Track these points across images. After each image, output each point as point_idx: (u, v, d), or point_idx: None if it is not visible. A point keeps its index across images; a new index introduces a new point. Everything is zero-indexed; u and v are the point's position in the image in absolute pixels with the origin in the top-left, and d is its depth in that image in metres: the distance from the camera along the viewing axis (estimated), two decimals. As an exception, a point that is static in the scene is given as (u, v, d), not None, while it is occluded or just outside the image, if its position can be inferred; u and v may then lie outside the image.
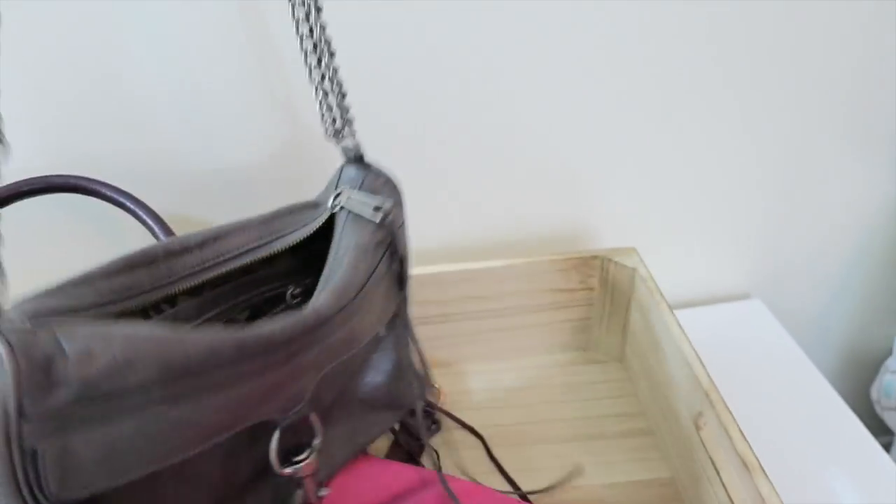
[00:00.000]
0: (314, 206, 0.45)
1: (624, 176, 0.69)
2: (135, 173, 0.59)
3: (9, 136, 0.56)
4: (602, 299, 0.65)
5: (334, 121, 0.44)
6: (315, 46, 0.42)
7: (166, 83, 0.56)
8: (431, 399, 0.62)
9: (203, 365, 0.30)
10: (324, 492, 0.43)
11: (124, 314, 0.37)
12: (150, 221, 0.54)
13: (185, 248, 0.39)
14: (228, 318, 0.43)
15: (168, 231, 0.54)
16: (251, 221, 0.43)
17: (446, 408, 0.63)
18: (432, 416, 0.61)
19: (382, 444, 0.58)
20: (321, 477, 0.45)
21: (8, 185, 0.54)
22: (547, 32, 0.59)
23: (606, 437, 0.59)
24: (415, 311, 0.63)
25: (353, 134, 0.44)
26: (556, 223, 0.72)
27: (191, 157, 0.60)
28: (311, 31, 0.41)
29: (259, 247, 0.41)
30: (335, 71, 0.43)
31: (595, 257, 0.63)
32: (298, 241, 0.42)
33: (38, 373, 0.26)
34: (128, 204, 0.55)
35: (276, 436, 0.38)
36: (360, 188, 0.44)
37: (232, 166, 0.61)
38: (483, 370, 0.67)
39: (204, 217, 0.63)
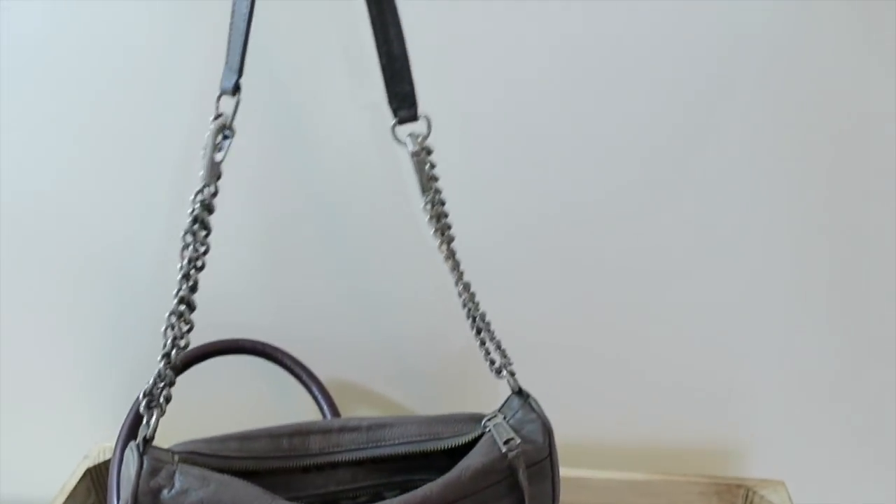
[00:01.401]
0: (478, 420, 0.49)
1: (779, 395, 0.67)
2: (315, 343, 0.65)
3: (210, 293, 0.64)
4: (742, 529, 0.63)
5: (493, 362, 0.50)
6: (467, 308, 0.49)
7: (351, 278, 0.63)
8: None
9: None
10: None
11: (281, 470, 0.45)
12: (319, 397, 0.59)
13: (357, 428, 0.47)
14: (378, 493, 0.48)
15: (333, 408, 0.59)
16: (417, 419, 0.49)
17: None
18: None
19: None
20: None
21: (203, 345, 0.61)
22: (690, 248, 0.61)
23: None
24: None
25: (512, 373, 0.50)
26: (697, 436, 0.70)
27: (368, 342, 0.66)
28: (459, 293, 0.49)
29: (417, 442, 0.47)
30: (486, 322, 0.50)
31: (740, 486, 0.62)
32: (449, 447, 0.47)
33: (149, 495, 0.39)
34: (303, 377, 0.60)
35: None
36: (513, 418, 0.49)
37: (402, 355, 0.66)
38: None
39: (368, 389, 0.68)
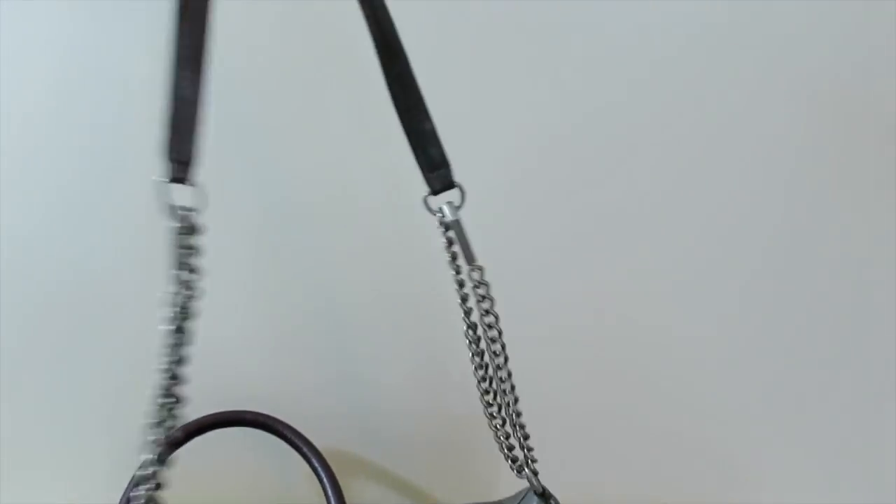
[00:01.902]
0: None
1: (791, 467, 0.66)
2: (316, 414, 0.65)
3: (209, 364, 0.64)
4: None
5: (515, 459, 0.47)
6: (495, 394, 0.46)
7: (350, 350, 0.63)
8: None
9: None
10: None
11: None
12: (320, 470, 0.59)
13: None
14: None
15: (333, 481, 0.58)
16: None
17: None
18: None
19: None
20: None
21: (204, 417, 0.61)
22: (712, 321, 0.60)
23: None
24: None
25: (535, 472, 0.47)
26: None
27: (372, 414, 0.65)
28: (490, 380, 0.46)
29: None
30: (518, 415, 0.46)
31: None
32: None
33: None
34: (304, 449, 0.60)
35: None
36: None
37: (404, 426, 0.66)
38: None
39: (370, 460, 0.67)
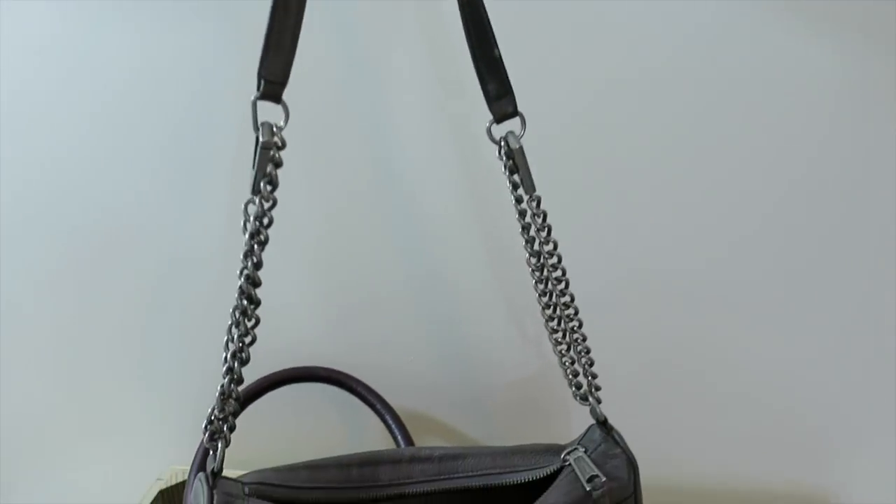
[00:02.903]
0: (557, 451, 0.47)
1: (879, 443, 0.63)
2: (388, 372, 0.65)
3: (286, 321, 0.64)
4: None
5: (579, 386, 0.48)
6: (559, 320, 0.47)
7: (424, 307, 0.62)
8: None
9: None
10: None
11: (350, 502, 0.43)
12: (394, 427, 0.58)
13: (429, 458, 0.45)
14: None
15: (408, 438, 0.58)
16: (492, 450, 0.46)
17: None
18: None
19: None
20: None
21: (276, 373, 0.61)
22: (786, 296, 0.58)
23: None
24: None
25: (598, 401, 0.47)
26: (795, 484, 0.66)
27: (441, 372, 0.65)
28: (554, 307, 0.46)
29: (491, 475, 0.45)
30: (583, 339, 0.47)
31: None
32: (526, 481, 0.45)
33: None
34: (377, 406, 0.59)
35: None
36: (595, 451, 0.46)
37: (476, 384, 0.65)
38: None
39: (441, 420, 0.67)
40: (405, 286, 0.62)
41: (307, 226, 0.61)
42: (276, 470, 0.43)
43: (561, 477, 0.44)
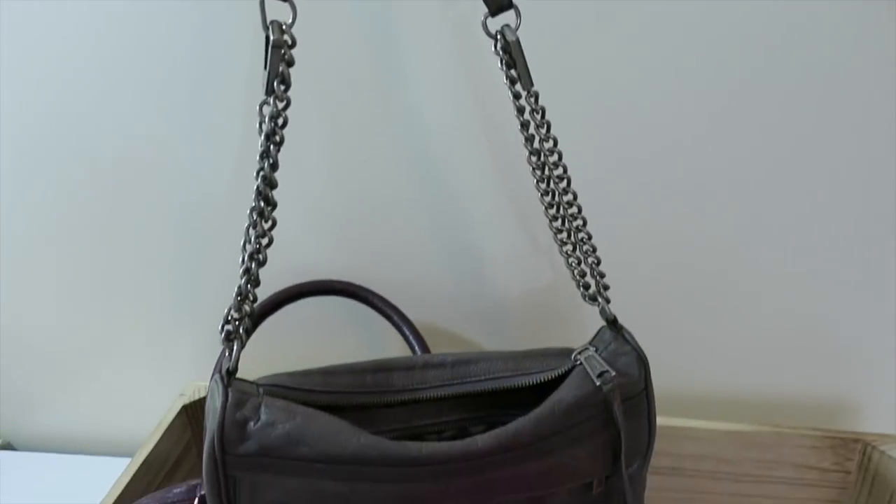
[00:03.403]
0: (568, 353, 0.47)
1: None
2: (403, 285, 0.64)
3: (301, 235, 0.64)
4: (858, 486, 0.59)
5: (587, 286, 0.47)
6: (563, 220, 0.46)
7: (438, 220, 0.61)
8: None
9: (352, 459, 0.38)
10: None
11: (365, 406, 0.44)
12: (411, 338, 0.58)
13: (442, 364, 0.46)
14: (463, 427, 0.46)
15: (426, 349, 0.58)
16: (504, 354, 0.46)
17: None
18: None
19: None
20: None
21: (294, 286, 0.61)
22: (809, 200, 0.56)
23: None
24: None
25: (606, 300, 0.47)
26: (815, 390, 0.66)
27: (456, 284, 0.64)
28: (557, 206, 0.46)
29: (504, 378, 0.45)
30: (588, 237, 0.46)
31: (857, 440, 0.58)
32: (538, 382, 0.45)
33: (235, 427, 0.38)
34: (394, 318, 0.59)
35: None
36: (605, 351, 0.46)
37: (490, 296, 0.64)
38: (708, 533, 0.63)
39: (456, 332, 0.67)
40: (417, 199, 0.61)
41: (318, 141, 0.60)
42: (290, 374, 0.43)
43: (572, 375, 0.44)
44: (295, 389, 0.42)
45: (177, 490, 0.49)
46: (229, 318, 0.41)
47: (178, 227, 0.65)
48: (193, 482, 0.49)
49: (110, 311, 0.70)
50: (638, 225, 0.61)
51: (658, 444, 0.61)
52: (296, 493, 0.38)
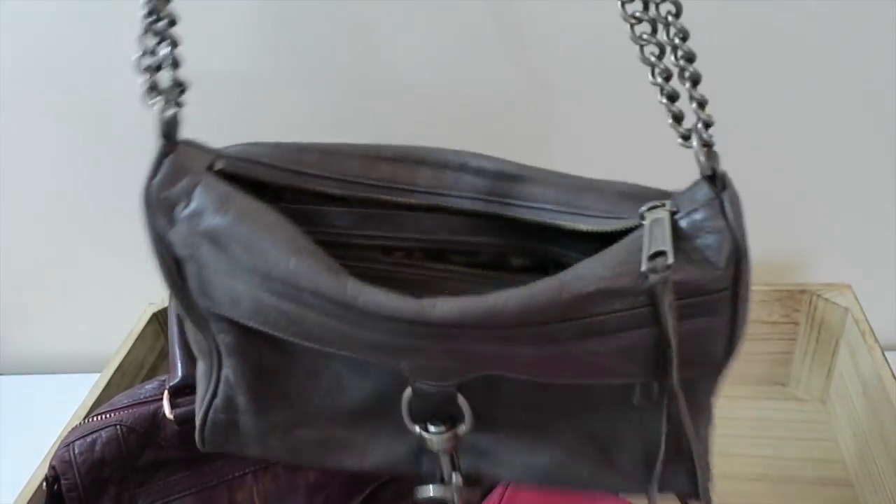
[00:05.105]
0: (641, 199, 0.33)
1: (851, 202, 0.64)
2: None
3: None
4: (807, 335, 0.62)
5: (679, 118, 0.33)
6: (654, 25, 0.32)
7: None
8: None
9: (285, 281, 0.30)
10: (458, 479, 0.37)
11: (377, 202, 0.35)
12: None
13: (482, 171, 0.35)
14: (502, 255, 0.38)
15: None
16: (562, 180, 0.35)
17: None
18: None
19: None
20: (474, 476, 0.38)
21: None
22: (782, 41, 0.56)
23: (798, 482, 0.56)
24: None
25: (705, 143, 0.32)
26: (765, 246, 0.68)
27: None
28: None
29: (552, 211, 0.34)
30: (684, 36, 0.32)
31: (803, 291, 0.60)
32: (591, 231, 0.33)
33: (162, 207, 0.31)
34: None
35: (407, 391, 0.34)
36: (688, 217, 0.31)
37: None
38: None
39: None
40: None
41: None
42: (278, 146, 0.34)
43: (626, 239, 0.31)
44: (275, 168, 0.33)
45: (149, 386, 0.50)
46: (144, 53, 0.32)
47: (150, 143, 0.65)
48: (163, 377, 0.50)
49: (82, 236, 0.71)
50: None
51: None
52: (240, 297, 0.31)
